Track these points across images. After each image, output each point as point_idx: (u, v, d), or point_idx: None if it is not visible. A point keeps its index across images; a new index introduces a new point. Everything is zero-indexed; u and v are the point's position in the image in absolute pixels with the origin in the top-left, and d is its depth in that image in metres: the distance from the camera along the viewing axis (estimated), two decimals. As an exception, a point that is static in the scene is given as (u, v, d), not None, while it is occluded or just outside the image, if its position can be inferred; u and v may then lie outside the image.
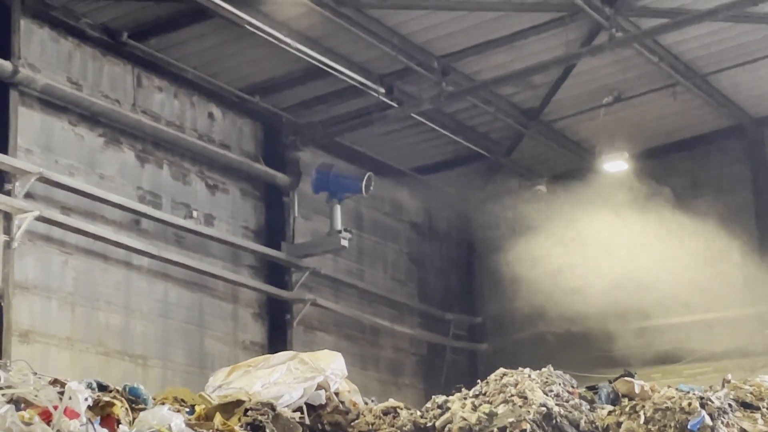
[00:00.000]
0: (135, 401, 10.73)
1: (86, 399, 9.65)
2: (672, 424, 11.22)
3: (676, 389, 11.86)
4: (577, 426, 11.47)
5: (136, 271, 17.34)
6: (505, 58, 18.46)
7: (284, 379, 12.18)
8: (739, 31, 18.03)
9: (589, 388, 12.28)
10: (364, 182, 19.09)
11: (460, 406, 11.72)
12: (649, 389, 12.05)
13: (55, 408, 9.22)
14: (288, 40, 16.90)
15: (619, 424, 11.50)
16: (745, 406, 11.84)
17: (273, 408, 11.31)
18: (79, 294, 16.44)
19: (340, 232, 19.41)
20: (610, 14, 16.92)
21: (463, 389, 12.24)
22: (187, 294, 18.17)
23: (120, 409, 10.11)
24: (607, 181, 20.48)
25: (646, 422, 11.34)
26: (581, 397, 12.03)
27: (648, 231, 19.80)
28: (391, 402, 12.62)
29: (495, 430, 11.19)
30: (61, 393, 9.49)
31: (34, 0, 16.00)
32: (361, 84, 18.45)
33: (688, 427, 11.14)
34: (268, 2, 16.36)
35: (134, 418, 10.19)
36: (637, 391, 12.01)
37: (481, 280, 23.31)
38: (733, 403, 11.73)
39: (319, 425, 12.02)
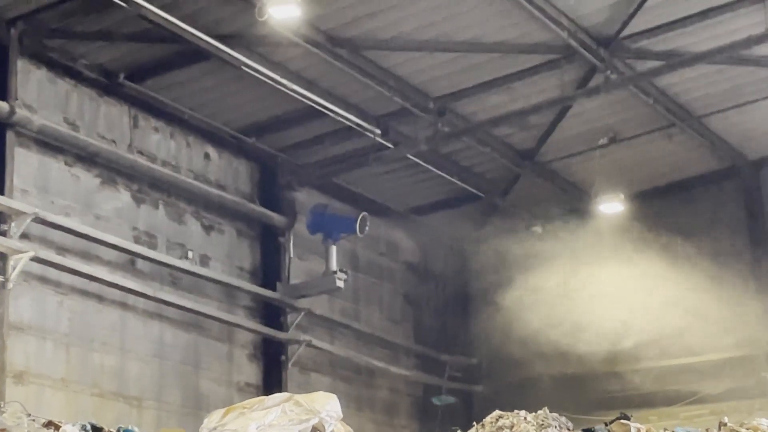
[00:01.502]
0: (130, 443, 10.69)
1: (81, 441, 9.60)
2: (669, 467, 11.18)
3: (673, 432, 11.83)
4: (573, 469, 11.41)
5: (132, 312, 17.30)
6: (501, 99, 18.53)
7: (279, 421, 12.11)
8: (733, 73, 18.12)
9: (585, 431, 12.23)
10: (358, 222, 19.11)
11: (456, 448, 11.66)
12: (645, 431, 12.00)
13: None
14: (284, 81, 16.95)
15: (615, 467, 11.45)
16: (742, 448, 11.80)
17: (268, 450, 11.23)
18: (74, 335, 16.38)
19: (335, 272, 19.40)
20: (605, 56, 17.01)
21: (458, 431, 12.19)
22: (183, 335, 18.12)
23: (114, 451, 10.06)
24: (602, 222, 20.48)
25: (643, 465, 11.30)
26: (577, 439, 11.98)
27: (644, 272, 19.81)
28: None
29: (491, 473, 11.12)
30: (56, 435, 9.44)
31: (31, 41, 16.05)
32: (357, 125, 18.50)
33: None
34: (264, 43, 16.43)
35: (129, 461, 10.14)
36: (633, 433, 11.96)
37: (477, 321, 23.26)
38: (730, 446, 11.69)
39: (314, 468, 11.93)
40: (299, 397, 12.51)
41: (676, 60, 17.10)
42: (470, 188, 21.44)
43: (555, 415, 12.32)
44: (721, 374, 20.33)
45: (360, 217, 19.14)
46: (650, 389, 21.00)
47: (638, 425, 12.13)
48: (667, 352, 20.46)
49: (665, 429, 12.12)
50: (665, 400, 20.75)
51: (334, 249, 19.55)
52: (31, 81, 16.34)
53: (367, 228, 19.27)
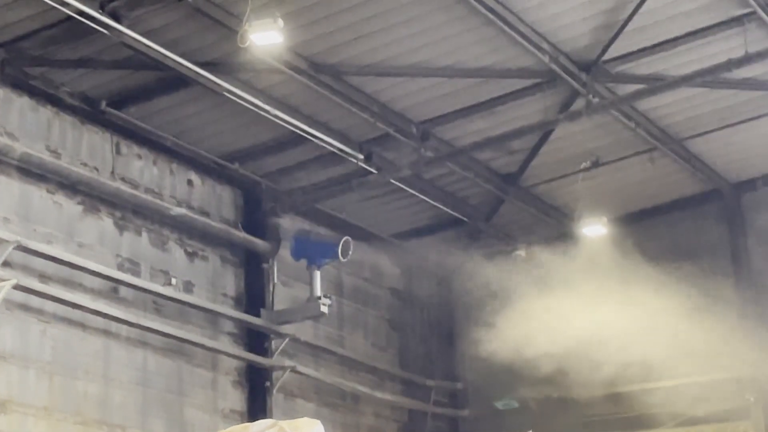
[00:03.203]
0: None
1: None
2: (654, 491, 11.16)
3: (658, 455, 11.82)
4: (558, 493, 11.40)
5: (115, 340, 17.24)
6: (484, 124, 18.57)
7: (263, 447, 12.07)
8: (715, 96, 18.20)
9: (571, 455, 12.23)
10: (341, 247, 19.09)
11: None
12: (631, 455, 12.00)
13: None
14: (267, 107, 16.95)
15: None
16: (727, 471, 11.80)
17: (252, 477, 11.18)
18: (58, 363, 16.31)
19: (319, 298, 19.37)
20: (587, 80, 17.06)
21: (443, 457, 12.17)
22: (167, 362, 18.05)
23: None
24: (586, 245, 20.50)
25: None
26: (562, 463, 11.97)
27: (628, 295, 19.80)
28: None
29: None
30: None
31: (12, 69, 16.03)
32: (341, 150, 18.51)
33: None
34: (246, 70, 16.45)
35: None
36: (618, 457, 11.96)
37: (462, 346, 23.24)
38: (715, 469, 11.69)
39: (298, 494, 11.89)
40: (284, 424, 12.45)
41: (657, 84, 17.16)
42: (454, 213, 21.46)
43: (540, 439, 12.33)
44: (706, 397, 20.32)
45: (342, 241, 19.14)
46: (636, 412, 20.98)
47: (623, 448, 12.14)
48: (653, 375, 20.45)
49: (650, 452, 12.11)
50: (651, 422, 20.74)
51: (318, 275, 19.53)
52: (13, 109, 16.31)
53: (350, 253, 19.26)
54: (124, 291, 17.41)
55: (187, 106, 17.65)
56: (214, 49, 16.03)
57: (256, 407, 19.13)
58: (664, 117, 18.86)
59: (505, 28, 15.77)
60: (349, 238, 19.34)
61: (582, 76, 17.00)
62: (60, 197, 16.81)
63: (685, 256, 21.11)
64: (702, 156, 20.24)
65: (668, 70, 17.13)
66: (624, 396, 21.13)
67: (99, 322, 16.86)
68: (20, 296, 15.70)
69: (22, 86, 16.40)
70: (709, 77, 16.93)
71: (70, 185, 16.88)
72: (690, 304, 19.70)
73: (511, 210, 21.61)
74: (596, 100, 17.36)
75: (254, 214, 19.97)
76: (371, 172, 19.19)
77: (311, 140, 18.07)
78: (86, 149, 17.32)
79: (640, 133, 18.90)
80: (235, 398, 19.26)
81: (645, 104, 18.32)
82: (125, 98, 17.30)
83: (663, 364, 20.03)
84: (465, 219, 21.73)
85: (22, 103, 16.47)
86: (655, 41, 16.58)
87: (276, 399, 19.55)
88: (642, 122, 18.71)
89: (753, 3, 15.49)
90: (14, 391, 15.65)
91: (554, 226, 21.74)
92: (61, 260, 16.21)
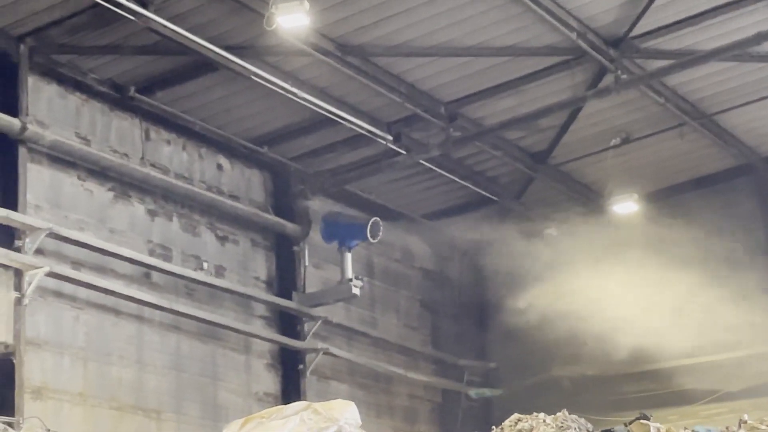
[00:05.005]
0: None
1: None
2: (689, 467, 11.13)
3: (693, 431, 11.77)
4: (593, 470, 11.38)
5: (148, 325, 17.32)
6: (512, 102, 18.51)
7: (298, 429, 12.10)
8: (744, 70, 18.06)
9: (605, 432, 12.20)
10: (369, 228, 19.09)
11: (475, 452, 11.64)
12: (665, 431, 11.95)
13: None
14: (295, 90, 16.95)
15: (636, 468, 11.41)
16: (763, 446, 11.74)
17: (287, 459, 11.22)
18: (91, 349, 16.41)
19: (351, 280, 19.40)
20: (615, 57, 16.97)
21: (477, 436, 12.18)
22: (200, 346, 18.13)
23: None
24: (617, 222, 20.44)
25: (664, 465, 11.26)
26: (597, 441, 11.94)
27: (660, 272, 19.74)
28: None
29: (511, 476, 11.10)
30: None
31: (41, 57, 16.11)
32: (369, 132, 18.48)
33: (706, 468, 11.05)
34: (273, 53, 16.45)
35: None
36: (653, 433, 11.92)
37: (494, 325, 23.21)
38: (751, 444, 11.64)
39: (334, 476, 11.92)
40: (318, 406, 12.50)
41: (686, 58, 17.06)
42: (484, 192, 21.41)
43: (574, 416, 12.29)
44: (740, 372, 20.24)
45: (371, 222, 19.13)
46: (669, 389, 20.92)
47: (658, 425, 12.09)
48: (686, 351, 20.37)
49: (685, 428, 12.06)
50: (684, 399, 20.67)
51: (349, 257, 19.55)
52: (42, 97, 16.38)
53: (380, 234, 19.25)
54: (156, 276, 17.49)
55: (215, 91, 17.67)
56: (241, 33, 16.04)
57: (290, 390, 19.20)
58: (693, 92, 18.74)
59: (532, 5, 15.70)
60: (378, 219, 19.34)
61: (610, 52, 16.91)
62: (91, 184, 16.88)
63: (716, 232, 20.96)
64: (733, 130, 20.10)
65: (697, 45, 17.01)
66: (657, 373, 21.05)
67: (132, 307, 16.95)
68: (53, 283, 15.81)
69: (50, 74, 16.47)
70: (738, 51, 16.81)
71: (100, 172, 16.95)
72: (723, 279, 19.63)
73: (541, 188, 21.54)
74: (625, 76, 17.25)
75: (284, 197, 20.00)
76: (400, 153, 19.16)
77: (339, 122, 18.06)
78: (115, 135, 17.38)
79: (669, 108, 18.79)
80: (269, 381, 19.33)
81: (674, 79, 18.20)
82: (153, 84, 17.34)
83: (696, 340, 19.94)
84: (495, 198, 21.68)
85: (50, 90, 16.54)
86: (684, 16, 16.46)
87: (309, 381, 19.60)
88: (671, 97, 18.60)
89: (782, -25, 15.39)
90: (49, 378, 15.76)
91: (584, 203, 21.67)
92: (93, 247, 16.30)
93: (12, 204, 15.37)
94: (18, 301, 15.10)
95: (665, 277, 19.68)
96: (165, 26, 15.04)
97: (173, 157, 18.29)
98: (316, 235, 19.87)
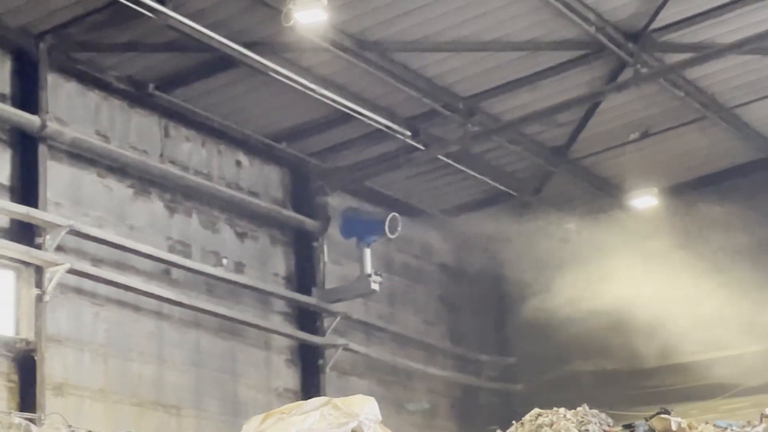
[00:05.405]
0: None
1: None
2: (711, 461, 11.11)
3: (714, 425, 11.77)
4: (614, 465, 11.38)
5: (168, 321, 17.36)
6: (530, 97, 18.47)
7: (318, 425, 12.11)
8: (764, 63, 17.98)
9: (626, 427, 12.20)
10: (388, 224, 19.09)
11: (496, 448, 11.65)
12: (687, 426, 11.94)
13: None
14: (313, 86, 16.96)
15: (657, 463, 11.40)
16: (784, 440, 11.72)
17: (307, 455, 11.24)
18: (112, 345, 16.46)
19: (370, 276, 19.41)
20: (634, 50, 16.92)
21: (498, 431, 12.16)
22: (219, 342, 18.16)
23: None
24: (636, 217, 20.40)
25: (685, 459, 11.24)
26: (618, 435, 11.93)
27: (680, 266, 19.69)
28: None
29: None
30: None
31: (60, 54, 16.15)
32: (387, 127, 18.48)
33: (728, 463, 11.03)
34: (292, 49, 16.45)
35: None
36: (674, 428, 11.92)
37: (513, 320, 23.19)
38: (772, 438, 11.62)
39: (354, 471, 11.93)
40: (337, 401, 12.51)
41: (705, 52, 16.99)
42: (502, 187, 21.38)
43: (595, 411, 12.31)
44: (761, 366, 20.17)
45: (389, 218, 19.14)
46: (690, 383, 20.87)
47: (679, 419, 12.09)
48: (706, 345, 20.31)
49: (706, 422, 12.03)
50: (705, 393, 20.62)
51: (368, 252, 19.56)
52: (62, 94, 16.43)
53: (398, 229, 19.25)
54: (175, 272, 17.52)
55: (234, 87, 17.68)
56: (258, 29, 16.05)
57: (310, 385, 19.22)
58: (713, 85, 18.66)
59: (551, -1, 15.70)
60: (397, 215, 19.34)
61: (629, 46, 16.86)
62: (110, 181, 16.93)
63: (737, 226, 20.90)
64: (753, 124, 20.02)
65: (716, 38, 16.95)
66: (678, 367, 21.01)
67: (152, 303, 16.99)
68: (73, 280, 15.86)
69: (69, 71, 16.51)
70: (758, 44, 16.74)
71: (120, 168, 16.99)
72: (742, 273, 19.56)
73: (560, 183, 21.49)
74: (644, 69, 17.21)
75: (302, 193, 20.02)
76: (418, 149, 19.15)
77: (358, 118, 18.06)
78: (135, 132, 17.42)
79: (689, 102, 18.73)
80: (289, 377, 19.36)
81: (693, 73, 18.14)
82: (172, 81, 17.38)
83: (716, 334, 19.88)
84: (513, 193, 21.64)
85: (70, 88, 16.58)
86: (703, 9, 16.40)
87: (329, 377, 19.62)
88: (691, 91, 18.54)
89: (802, -33, 15.32)
90: (70, 374, 15.81)
91: (604, 198, 21.63)
92: (113, 243, 16.34)
93: (32, 201, 15.44)
94: (39, 298, 15.19)
95: (685, 272, 19.63)
96: (184, 23, 15.07)
97: (192, 154, 18.32)
98: (334, 231, 19.89)
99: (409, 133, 18.77)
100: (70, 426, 10.24)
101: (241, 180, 19.15)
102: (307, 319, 19.68)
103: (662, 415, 12.15)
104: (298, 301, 19.46)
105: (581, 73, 17.85)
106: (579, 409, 12.19)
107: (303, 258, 19.89)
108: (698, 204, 21.24)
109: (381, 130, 18.56)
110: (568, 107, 18.50)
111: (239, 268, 18.79)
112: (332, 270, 20.17)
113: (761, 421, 12.01)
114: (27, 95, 15.83)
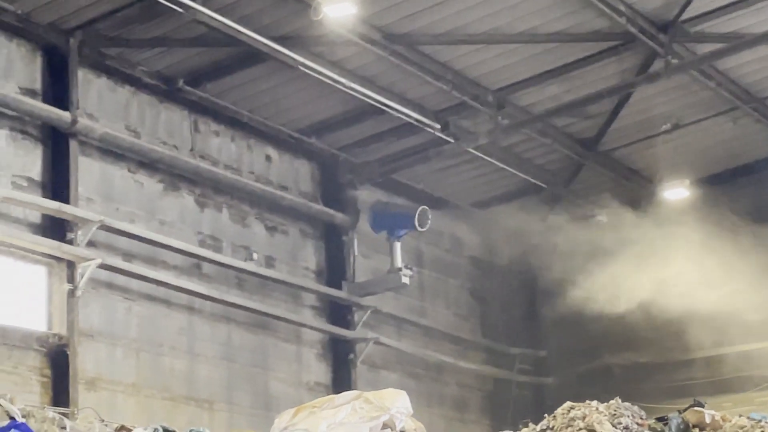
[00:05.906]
0: (202, 445, 10.74)
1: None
2: (745, 454, 11.04)
3: (748, 418, 11.69)
4: (648, 458, 11.31)
5: (199, 316, 17.41)
6: (560, 89, 18.40)
7: (349, 418, 12.11)
8: (796, 53, 17.87)
9: (659, 420, 12.12)
10: (417, 217, 19.07)
11: (528, 441, 11.62)
12: (720, 419, 11.88)
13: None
14: (342, 80, 16.95)
15: (690, 455, 11.33)
16: (819, 432, 11.63)
17: (339, 449, 11.24)
18: (144, 340, 16.52)
19: (400, 269, 19.40)
20: (665, 41, 16.82)
21: (530, 424, 12.13)
22: (250, 336, 18.20)
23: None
24: (668, 209, 20.28)
25: (719, 452, 11.17)
26: (651, 428, 11.89)
27: (712, 258, 19.56)
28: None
29: (564, 464, 11.06)
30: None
31: (90, 50, 16.20)
32: (417, 121, 18.45)
33: (762, 456, 10.96)
34: (320, 43, 16.45)
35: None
36: (707, 421, 11.84)
37: (545, 313, 23.13)
38: (807, 430, 11.53)
39: (386, 464, 11.92)
40: (369, 395, 12.50)
41: (737, 42, 16.87)
42: (532, 180, 21.32)
43: (627, 404, 12.24)
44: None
45: (419, 211, 19.11)
46: (723, 376, 20.77)
47: (712, 412, 12.01)
48: (739, 337, 20.22)
49: (740, 415, 11.95)
50: (739, 386, 20.51)
51: (398, 246, 19.55)
52: (92, 90, 16.49)
53: (428, 222, 19.23)
54: (206, 267, 17.56)
55: (263, 81, 17.70)
56: (287, 23, 16.05)
57: (341, 379, 19.23)
58: (745, 75, 18.54)
59: (580, -10, 15.63)
60: (426, 208, 19.31)
61: (660, 37, 16.75)
62: (141, 176, 16.98)
63: (769, 216, 20.80)
64: (785, 114, 19.89)
65: (748, 28, 16.83)
66: (711, 360, 20.91)
67: (183, 298, 17.04)
68: (105, 275, 15.92)
69: (99, 67, 16.57)
70: (790, 34, 16.62)
71: (150, 164, 17.04)
72: (775, 266, 19.45)
73: (591, 175, 21.41)
74: (675, 60, 17.11)
75: (332, 187, 20.01)
76: (448, 142, 19.11)
77: (387, 111, 18.04)
78: (165, 127, 17.46)
79: (720, 92, 18.61)
80: (320, 371, 19.37)
81: (725, 63, 18.02)
82: (201, 75, 17.41)
83: (750, 326, 19.79)
84: (544, 185, 21.57)
85: (100, 83, 16.64)
86: (734, -1, 16.31)
87: (360, 371, 19.63)
88: (722, 82, 18.42)
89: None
90: (103, 369, 15.89)
91: (635, 189, 21.53)
92: (144, 238, 16.40)
93: (64, 197, 15.51)
94: (71, 293, 15.26)
95: (719, 265, 19.50)
96: (212, 18, 15.09)
97: (222, 149, 18.35)
98: (364, 224, 19.88)
99: (438, 126, 18.73)
100: (102, 420, 10.29)
101: (271, 174, 19.17)
102: (337, 313, 19.69)
103: (696, 408, 12.09)
104: (329, 295, 19.47)
105: (611, 65, 17.76)
106: (612, 402, 12.12)
107: (333, 252, 19.89)
108: (731, 195, 21.12)
109: (410, 123, 18.53)
110: (599, 99, 18.41)
111: (270, 262, 18.82)
112: (362, 264, 20.16)
113: (796, 413, 11.93)
114: (57, 91, 15.90)
